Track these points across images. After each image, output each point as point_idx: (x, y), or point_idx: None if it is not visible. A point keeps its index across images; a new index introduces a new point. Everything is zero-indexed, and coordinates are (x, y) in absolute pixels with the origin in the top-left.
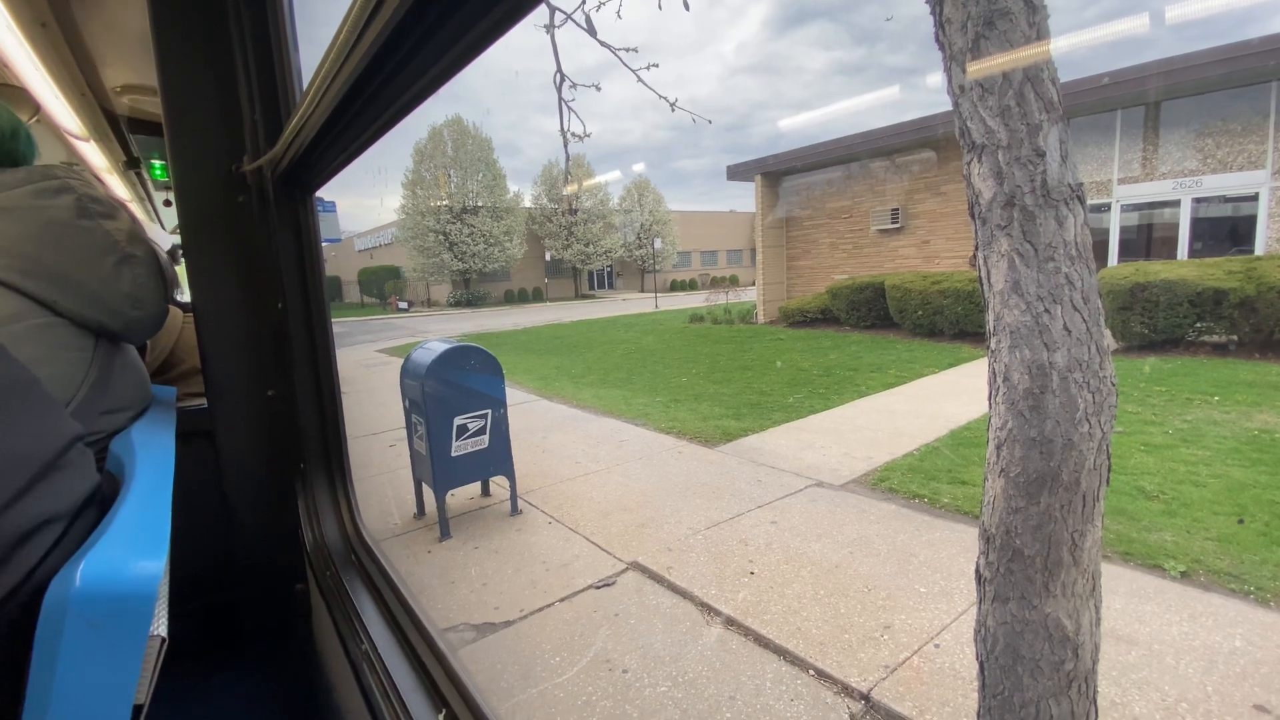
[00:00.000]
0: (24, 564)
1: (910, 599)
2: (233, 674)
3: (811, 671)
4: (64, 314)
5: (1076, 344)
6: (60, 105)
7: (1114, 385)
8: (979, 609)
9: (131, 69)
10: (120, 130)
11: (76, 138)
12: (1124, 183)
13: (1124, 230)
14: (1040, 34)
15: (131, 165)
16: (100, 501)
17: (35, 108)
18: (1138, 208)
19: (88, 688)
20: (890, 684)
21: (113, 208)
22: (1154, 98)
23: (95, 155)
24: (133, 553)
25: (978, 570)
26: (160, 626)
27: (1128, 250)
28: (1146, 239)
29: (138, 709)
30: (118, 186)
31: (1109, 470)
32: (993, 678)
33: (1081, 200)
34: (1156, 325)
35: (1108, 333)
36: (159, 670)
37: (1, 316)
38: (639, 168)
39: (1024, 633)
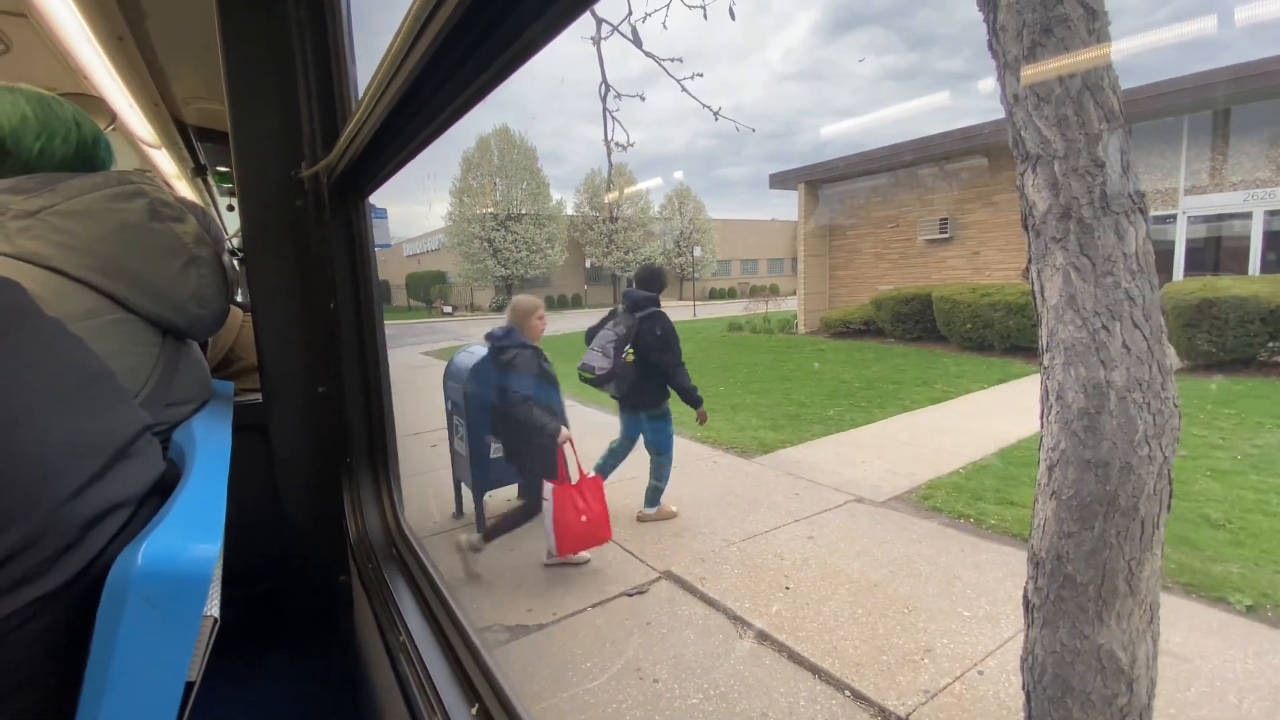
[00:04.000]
0: (95, 544)
1: (953, 622)
2: (276, 659)
3: (847, 692)
4: (135, 311)
5: (1136, 362)
6: (134, 114)
7: (1176, 407)
8: (1026, 636)
9: (200, 80)
10: (189, 138)
11: (149, 145)
12: (1191, 193)
13: (1190, 243)
14: (1100, 40)
15: (198, 172)
16: (163, 488)
17: (112, 116)
18: (1206, 219)
19: (144, 662)
20: (930, 710)
21: (181, 212)
22: (1224, 103)
23: (165, 162)
24: (191, 536)
25: (1026, 596)
26: (213, 608)
27: (1195, 264)
28: (1215, 252)
29: (189, 686)
30: (185, 191)
31: (1170, 496)
32: (1040, 709)
33: (1144, 212)
34: (1225, 344)
35: (1171, 351)
36: (210, 650)
37: (80, 312)
38: (679, 175)
39: (1075, 663)
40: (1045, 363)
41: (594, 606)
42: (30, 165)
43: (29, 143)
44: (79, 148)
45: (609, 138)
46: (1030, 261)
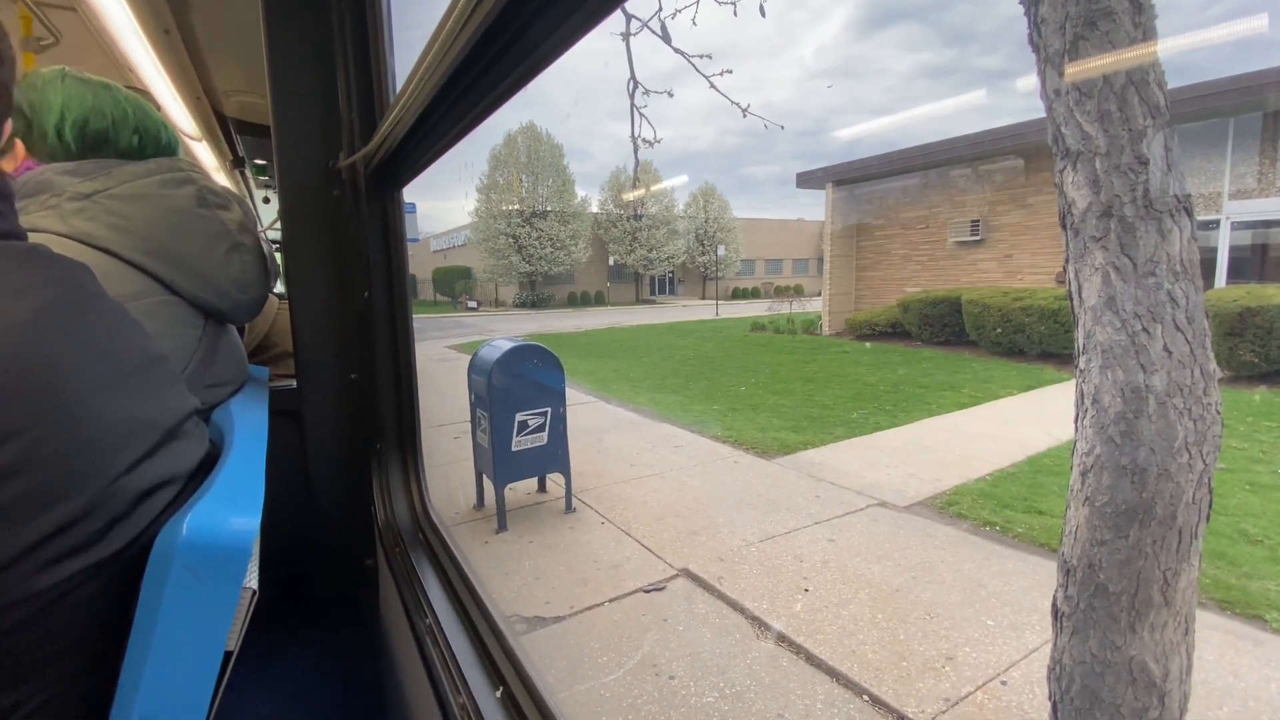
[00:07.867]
0: (143, 518)
1: (976, 630)
2: (302, 640)
3: (865, 697)
4: (180, 293)
5: (1178, 367)
6: (178, 107)
7: (1219, 414)
8: (1054, 645)
9: (241, 73)
10: (228, 131)
11: (190, 138)
12: (1235, 197)
13: (1234, 249)
14: (1146, 35)
15: (236, 164)
16: (205, 465)
17: (156, 109)
18: (1251, 225)
19: (185, 630)
20: (950, 718)
21: (227, 200)
22: (1274, 105)
23: (206, 154)
24: (232, 510)
25: (1055, 604)
26: (253, 580)
27: (1238, 271)
28: (1260, 259)
29: (227, 655)
30: (224, 183)
31: (1210, 506)
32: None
33: (1189, 212)
34: (1269, 354)
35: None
36: (248, 623)
37: (128, 293)
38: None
39: (1105, 674)
40: (1081, 365)
41: (611, 601)
42: (124, 157)
43: (126, 136)
44: (161, 150)
45: (636, 134)
46: (1068, 261)
